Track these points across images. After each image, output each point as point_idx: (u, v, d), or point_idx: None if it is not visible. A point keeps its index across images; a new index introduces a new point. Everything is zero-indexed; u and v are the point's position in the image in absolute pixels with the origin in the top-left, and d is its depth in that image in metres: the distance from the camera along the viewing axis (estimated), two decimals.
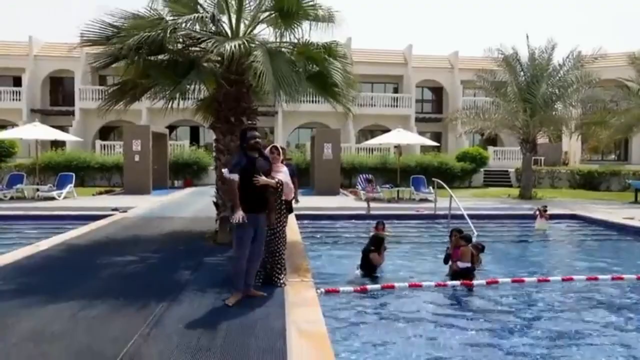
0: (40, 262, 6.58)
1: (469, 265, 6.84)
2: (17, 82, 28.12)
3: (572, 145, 27.45)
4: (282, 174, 5.29)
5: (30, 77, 27.70)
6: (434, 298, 6.08)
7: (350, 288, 6.08)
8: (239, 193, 4.77)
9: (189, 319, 4.34)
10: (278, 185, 5.15)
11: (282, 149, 5.69)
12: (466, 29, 61.67)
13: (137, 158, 17.93)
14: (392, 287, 6.24)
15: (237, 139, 8.21)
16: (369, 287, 6.18)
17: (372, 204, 13.78)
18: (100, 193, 17.84)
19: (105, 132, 29.11)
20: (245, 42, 7.26)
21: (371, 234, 7.98)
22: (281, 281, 5.40)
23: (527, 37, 18.43)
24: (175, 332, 4.03)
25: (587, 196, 19.12)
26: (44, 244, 7.62)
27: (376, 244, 7.19)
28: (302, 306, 4.72)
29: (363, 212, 12.71)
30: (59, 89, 30.04)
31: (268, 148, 5.35)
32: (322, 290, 5.75)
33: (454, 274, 6.86)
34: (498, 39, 23.57)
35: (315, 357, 3.59)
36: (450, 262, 7.07)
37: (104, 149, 23.59)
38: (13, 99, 27.19)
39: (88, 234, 8.82)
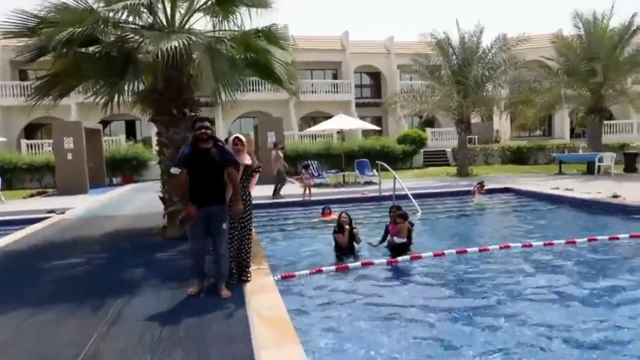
0: None
1: (404, 240, 7.29)
2: None
3: (502, 124, 29.12)
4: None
5: None
6: (386, 274, 6.37)
7: (305, 272, 6.20)
8: (189, 185, 4.68)
9: (148, 314, 4.28)
10: (257, 167, 5.21)
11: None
12: (401, 14, 63.11)
13: (70, 156, 16.95)
14: (347, 267, 6.46)
15: (181, 131, 8.11)
16: (324, 269, 6.34)
17: (320, 190, 13.99)
18: (32, 195, 16.74)
19: (31, 130, 27.14)
20: (184, 42, 6.82)
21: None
22: (248, 276, 5.21)
23: (457, 22, 19.32)
24: (134, 328, 3.97)
25: (517, 170, 20.46)
26: None
27: (339, 226, 7.49)
28: (260, 292, 4.78)
29: (312, 198, 12.86)
30: None
31: (231, 139, 5.21)
32: (279, 276, 5.84)
33: (392, 249, 7.32)
34: (432, 23, 24.50)
35: (277, 338, 3.68)
36: (388, 237, 7.48)
37: (31, 148, 22.06)
38: None
39: (24, 239, 8.31)
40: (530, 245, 7.42)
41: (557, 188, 13.07)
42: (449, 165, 23.85)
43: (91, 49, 8.02)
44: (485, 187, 12.25)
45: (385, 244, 7.60)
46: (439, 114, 24.57)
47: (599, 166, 17.33)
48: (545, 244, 7.49)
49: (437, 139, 27.10)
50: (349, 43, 30.22)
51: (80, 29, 6.76)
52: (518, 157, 24.66)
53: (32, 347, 3.72)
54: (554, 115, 28.74)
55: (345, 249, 7.32)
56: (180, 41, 6.74)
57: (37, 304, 4.69)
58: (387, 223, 7.67)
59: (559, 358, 3.89)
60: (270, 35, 8.41)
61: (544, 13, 66.26)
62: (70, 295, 4.94)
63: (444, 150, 25.51)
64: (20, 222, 10.40)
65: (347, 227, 7.37)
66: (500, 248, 7.31)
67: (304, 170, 13.75)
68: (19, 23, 7.45)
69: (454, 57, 19.26)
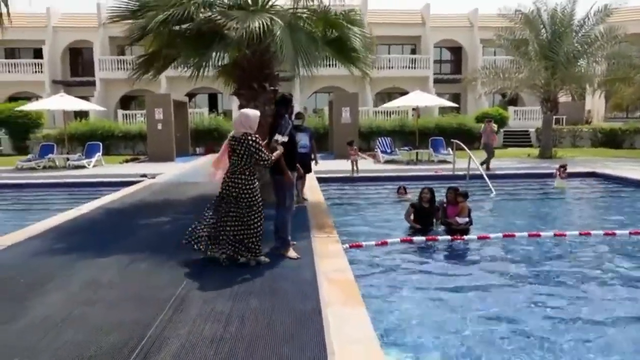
0: (84, 224, 7.09)
1: (467, 219, 7.14)
2: (37, 54, 28.60)
3: (595, 103, 26.89)
4: None
5: (50, 49, 28.10)
6: (450, 251, 6.43)
7: (372, 242, 6.45)
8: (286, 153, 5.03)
9: (228, 270, 4.75)
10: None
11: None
12: None
13: (160, 126, 18.37)
14: (411, 240, 6.61)
15: (260, 104, 8.53)
16: (389, 241, 6.55)
17: (391, 166, 14.03)
18: (127, 161, 18.44)
19: (126, 102, 29.59)
20: (266, 21, 7.20)
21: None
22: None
23: None
24: (216, 280, 4.45)
25: (608, 154, 18.95)
26: (85, 208, 8.13)
27: (419, 200, 7.64)
28: (329, 258, 5.09)
29: (384, 174, 12.96)
30: (79, 60, 30.44)
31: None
32: (347, 245, 6.13)
33: (452, 231, 7.04)
34: None
35: (343, 298, 3.96)
36: (446, 219, 7.28)
37: (126, 118, 24.10)
38: (35, 71, 27.74)
39: (122, 199, 9.32)
40: (614, 234, 7.02)
41: None
42: (531, 146, 22.60)
43: (184, 26, 8.65)
44: (568, 171, 11.61)
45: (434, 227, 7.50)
46: (523, 92, 23.20)
47: None
48: (631, 233, 7.06)
49: (519, 119, 25.71)
50: (430, 16, 29.21)
51: (176, 11, 7.33)
52: (611, 140, 22.72)
53: (134, 287, 4.33)
54: None
55: (420, 226, 7.36)
56: (262, 21, 7.11)
57: (136, 253, 5.36)
58: (444, 204, 7.46)
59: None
60: (347, 20, 8.52)
61: None
62: (163, 248, 5.58)
63: (527, 131, 24.17)
64: (118, 184, 11.63)
65: (427, 205, 7.42)
66: (580, 234, 7.01)
67: (349, 147, 13.66)
68: (123, 7, 8.23)
69: (543, 30, 17.99)
